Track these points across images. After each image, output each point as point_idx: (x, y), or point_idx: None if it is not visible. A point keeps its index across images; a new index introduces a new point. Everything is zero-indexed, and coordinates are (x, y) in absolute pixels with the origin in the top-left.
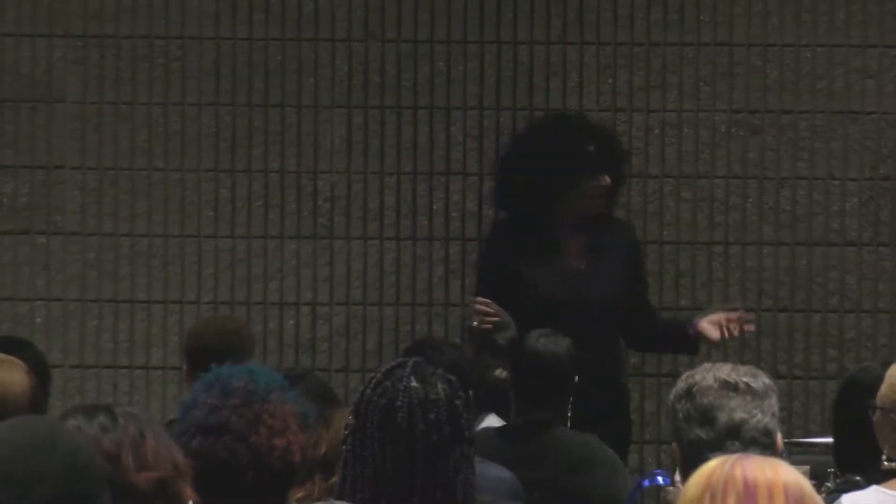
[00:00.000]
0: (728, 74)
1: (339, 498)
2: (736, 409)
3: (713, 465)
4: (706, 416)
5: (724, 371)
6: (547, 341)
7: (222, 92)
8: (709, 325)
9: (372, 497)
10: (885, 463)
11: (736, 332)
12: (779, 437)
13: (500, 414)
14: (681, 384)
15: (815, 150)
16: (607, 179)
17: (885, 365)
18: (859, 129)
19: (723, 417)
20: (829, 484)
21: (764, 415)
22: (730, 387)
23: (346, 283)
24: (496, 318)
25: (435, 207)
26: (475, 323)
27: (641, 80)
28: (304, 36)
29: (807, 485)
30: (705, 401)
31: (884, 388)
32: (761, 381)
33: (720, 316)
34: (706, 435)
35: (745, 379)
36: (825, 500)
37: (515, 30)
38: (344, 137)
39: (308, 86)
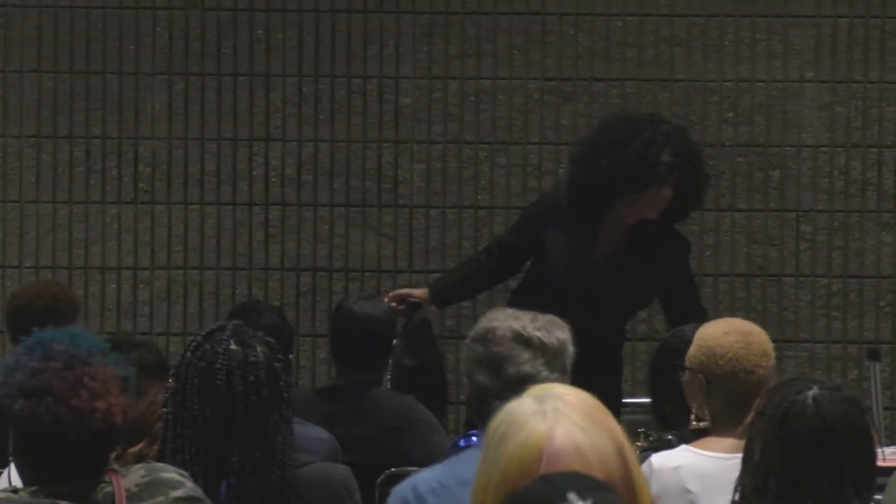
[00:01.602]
0: (541, 43)
1: (159, 459)
2: (524, 364)
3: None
4: (494, 365)
5: (521, 322)
6: (364, 304)
7: (44, 59)
8: None
9: (192, 457)
10: (694, 423)
11: None
12: None
13: (425, 399)
14: (480, 325)
15: None
16: (668, 192)
17: (697, 329)
18: (669, 96)
19: (511, 370)
20: (639, 443)
21: (552, 372)
22: (523, 340)
23: (168, 247)
24: (402, 308)
25: (255, 173)
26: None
27: (456, 49)
28: (125, 4)
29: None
30: (497, 350)
31: (692, 350)
32: (555, 336)
33: None
34: (492, 383)
35: (538, 334)
36: (637, 458)
37: None
38: (165, 104)
39: (129, 53)
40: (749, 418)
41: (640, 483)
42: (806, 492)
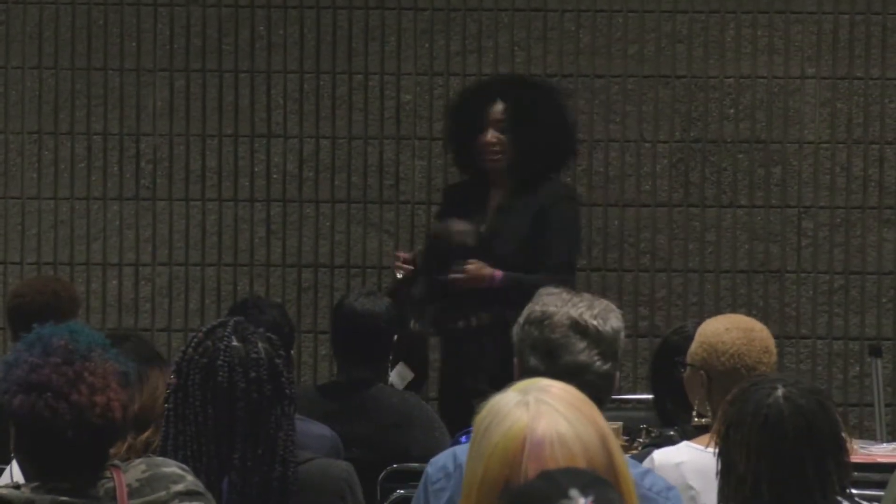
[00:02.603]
0: (542, 39)
1: (161, 454)
2: (580, 353)
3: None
4: (549, 352)
5: (578, 310)
6: (365, 300)
7: (45, 55)
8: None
9: (194, 454)
10: (695, 419)
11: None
12: (617, 377)
13: (408, 364)
14: (536, 308)
15: (626, 114)
16: (492, 136)
17: (699, 325)
18: (670, 93)
19: (566, 357)
20: (641, 439)
21: (605, 361)
22: (580, 329)
23: (169, 243)
24: (411, 268)
25: (256, 169)
26: (399, 274)
27: (458, 45)
28: (126, 0)
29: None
30: (553, 336)
31: (694, 346)
32: (610, 325)
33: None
34: (546, 368)
35: (595, 322)
36: (638, 455)
37: None
38: (166, 100)
39: (130, 49)
40: (714, 428)
41: (624, 472)
42: (795, 491)
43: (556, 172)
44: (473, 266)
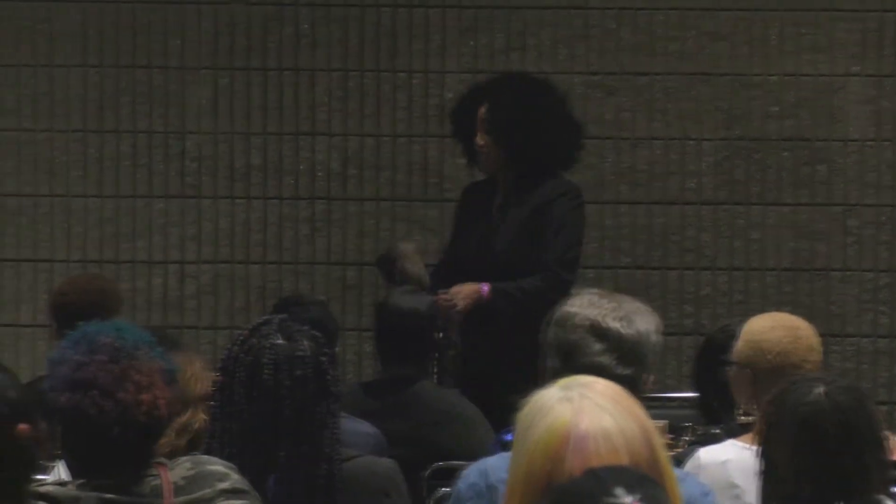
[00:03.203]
0: (584, 37)
1: (207, 452)
2: (595, 355)
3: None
4: (566, 352)
5: (601, 312)
6: (409, 298)
7: (90, 53)
8: None
9: (239, 451)
10: (741, 417)
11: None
12: (641, 382)
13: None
14: (563, 308)
15: (669, 111)
16: (480, 138)
17: (744, 324)
18: (712, 91)
19: (581, 360)
20: (686, 437)
21: (626, 366)
22: (598, 332)
23: (214, 241)
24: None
25: (300, 167)
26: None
27: (501, 43)
28: None
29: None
30: (570, 337)
31: (739, 345)
32: (636, 327)
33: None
34: (562, 368)
35: (616, 325)
36: (683, 453)
37: None
38: (210, 98)
39: (175, 47)
40: (756, 428)
41: (667, 468)
42: (836, 489)
43: (561, 169)
44: (455, 289)
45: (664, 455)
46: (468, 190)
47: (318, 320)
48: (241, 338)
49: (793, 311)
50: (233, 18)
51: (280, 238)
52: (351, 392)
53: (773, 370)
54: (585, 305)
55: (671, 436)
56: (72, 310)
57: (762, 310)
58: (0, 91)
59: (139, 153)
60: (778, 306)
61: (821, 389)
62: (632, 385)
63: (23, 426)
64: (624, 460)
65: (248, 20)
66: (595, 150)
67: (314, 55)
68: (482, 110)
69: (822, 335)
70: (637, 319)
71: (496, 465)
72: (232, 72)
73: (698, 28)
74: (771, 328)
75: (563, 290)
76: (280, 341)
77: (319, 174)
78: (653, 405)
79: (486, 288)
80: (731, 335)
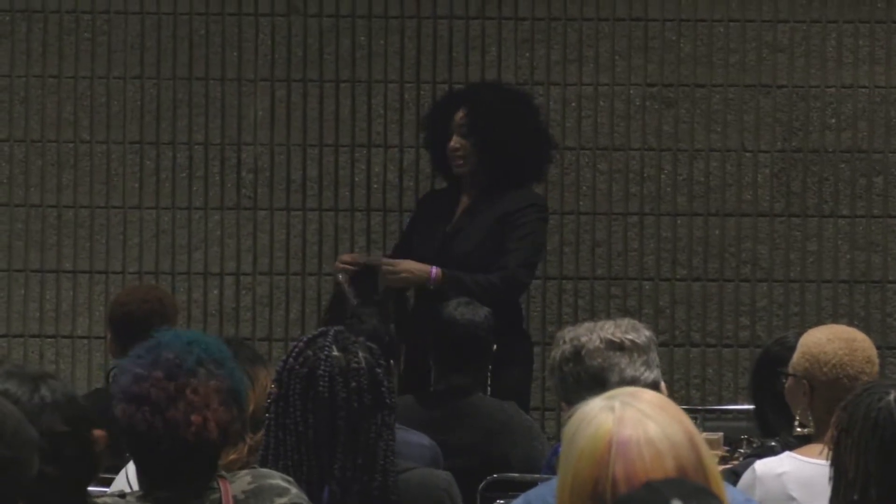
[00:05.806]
0: (643, 48)
1: (262, 464)
2: (626, 369)
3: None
4: (597, 379)
5: (608, 330)
6: (465, 309)
7: (147, 65)
8: None
9: (294, 463)
10: (798, 429)
11: None
12: (663, 387)
13: None
14: (566, 346)
15: (727, 123)
16: (455, 141)
17: (800, 336)
18: (771, 102)
19: (614, 378)
20: (742, 450)
21: (650, 370)
22: (616, 346)
23: (270, 253)
24: (353, 269)
25: (357, 179)
26: (340, 277)
27: (558, 55)
28: (227, 10)
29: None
30: (595, 363)
31: (796, 356)
32: (643, 334)
33: None
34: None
35: (629, 336)
36: (740, 465)
37: (435, 5)
38: (267, 110)
39: (232, 59)
40: (828, 436)
41: (714, 472)
42: None
43: (531, 181)
44: (404, 262)
45: (711, 459)
46: (428, 196)
47: (373, 332)
48: (297, 349)
49: (849, 323)
50: (290, 30)
51: (336, 250)
52: (406, 403)
53: (829, 382)
54: (588, 331)
55: (727, 448)
56: (130, 319)
57: (818, 322)
58: (58, 103)
59: (196, 165)
60: (834, 318)
61: (893, 395)
62: (659, 390)
63: (99, 431)
64: (669, 465)
65: (304, 32)
66: (653, 162)
67: (371, 67)
68: (459, 115)
69: (878, 347)
70: (639, 328)
71: (539, 494)
72: (289, 83)
73: (757, 40)
74: (828, 340)
75: (517, 291)
76: (336, 353)
77: (375, 186)
78: (709, 417)
79: (434, 270)
80: (788, 347)
